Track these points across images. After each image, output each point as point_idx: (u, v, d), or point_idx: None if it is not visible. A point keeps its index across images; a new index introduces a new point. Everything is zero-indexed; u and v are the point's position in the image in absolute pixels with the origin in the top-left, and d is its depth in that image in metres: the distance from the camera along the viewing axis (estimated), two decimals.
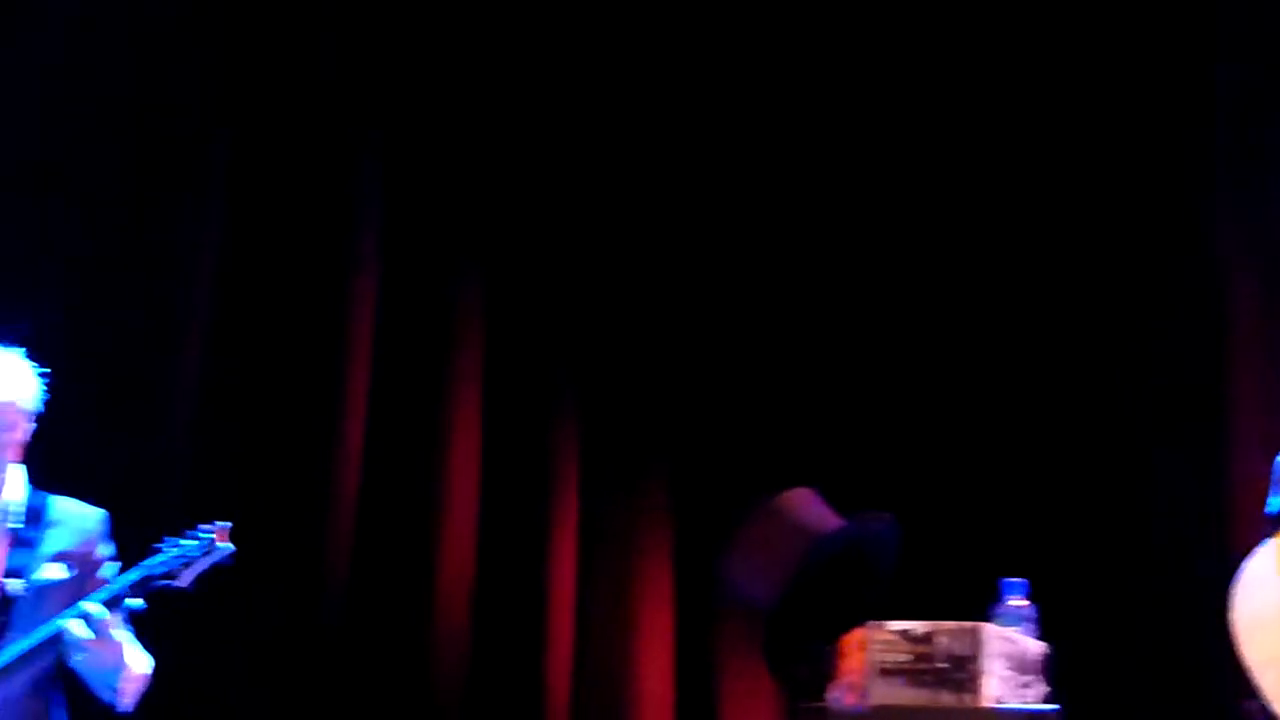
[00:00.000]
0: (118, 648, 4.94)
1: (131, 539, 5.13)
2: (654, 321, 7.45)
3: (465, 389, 7.27)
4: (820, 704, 5.54)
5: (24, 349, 5.19)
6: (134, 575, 4.88)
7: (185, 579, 4.87)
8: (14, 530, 5.09)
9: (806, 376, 7.36)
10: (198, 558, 4.88)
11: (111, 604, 4.88)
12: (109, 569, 5.10)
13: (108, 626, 4.88)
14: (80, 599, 4.93)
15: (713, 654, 7.22)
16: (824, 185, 7.56)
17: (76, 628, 4.84)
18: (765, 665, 5.74)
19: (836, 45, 7.57)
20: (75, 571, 5.07)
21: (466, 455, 7.23)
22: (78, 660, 4.91)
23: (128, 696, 5.04)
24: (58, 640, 4.88)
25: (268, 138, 7.21)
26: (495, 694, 7.11)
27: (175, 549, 4.89)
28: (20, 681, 4.94)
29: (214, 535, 4.90)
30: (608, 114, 7.56)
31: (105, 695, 5.02)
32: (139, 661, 5.05)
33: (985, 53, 7.48)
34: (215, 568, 4.92)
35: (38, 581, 5.03)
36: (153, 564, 4.88)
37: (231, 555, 4.92)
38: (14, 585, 5.03)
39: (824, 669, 5.54)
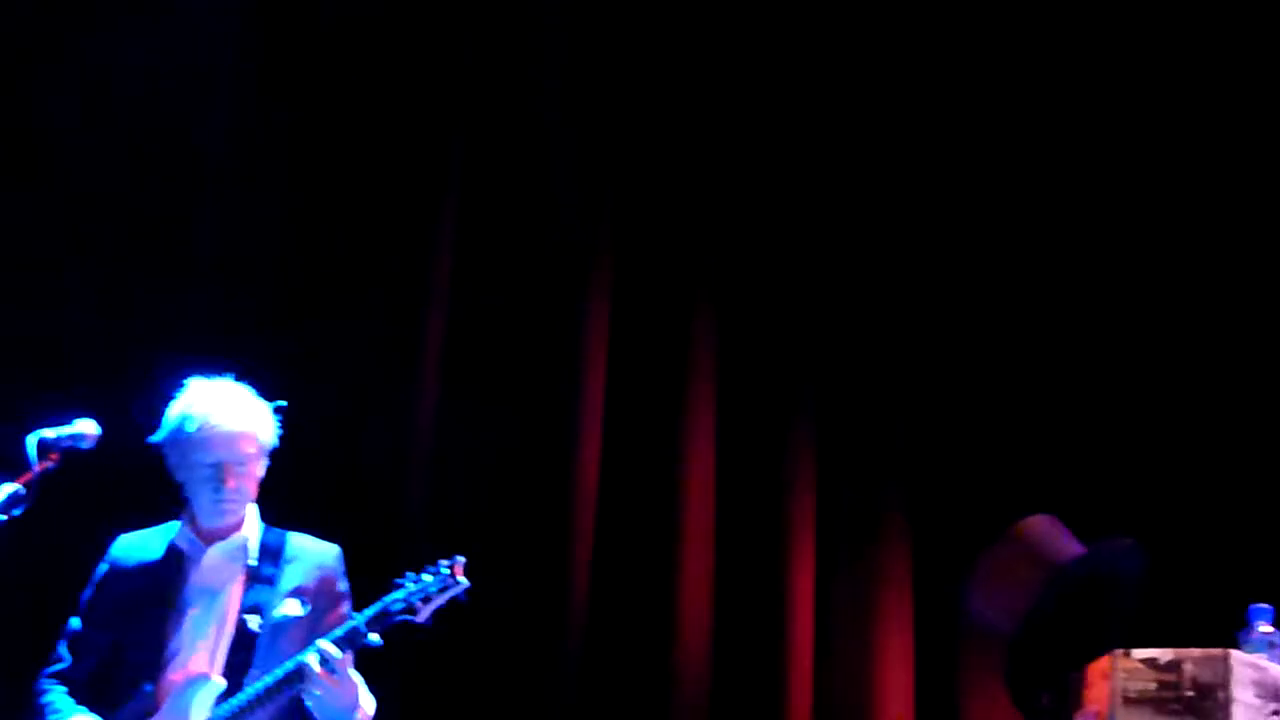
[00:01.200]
0: (352, 688, 5.01)
1: (369, 575, 5.22)
2: (890, 345, 7.38)
3: (699, 416, 7.23)
4: None
5: (257, 385, 5.32)
6: (372, 611, 4.95)
7: (423, 614, 4.93)
8: (251, 567, 5.20)
9: (1046, 400, 7.24)
10: (435, 593, 4.93)
11: (349, 640, 4.96)
12: (346, 605, 5.18)
13: (343, 666, 4.95)
14: (317, 635, 5.02)
15: (954, 681, 7.12)
16: (1067, 207, 7.45)
17: (313, 664, 4.93)
18: (1008, 694, 5.66)
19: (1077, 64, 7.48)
20: (312, 607, 5.17)
21: (702, 482, 7.20)
22: (311, 698, 4.98)
23: None
24: (296, 677, 4.96)
25: (501, 165, 7.31)
26: None
27: (414, 584, 4.94)
28: (262, 717, 5.04)
29: (451, 570, 4.95)
30: (835, 132, 7.50)
31: None
32: (369, 703, 5.11)
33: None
34: (452, 603, 4.97)
35: (276, 618, 5.14)
36: (391, 600, 4.93)
37: (468, 590, 4.97)
38: (253, 621, 5.14)
39: (1068, 698, 5.45)
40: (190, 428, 5.15)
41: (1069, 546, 5.63)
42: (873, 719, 7.11)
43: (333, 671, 4.91)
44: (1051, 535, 5.67)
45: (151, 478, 5.31)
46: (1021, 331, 7.32)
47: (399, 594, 4.94)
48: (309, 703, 5.00)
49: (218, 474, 5.14)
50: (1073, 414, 7.23)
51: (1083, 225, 7.43)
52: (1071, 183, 7.45)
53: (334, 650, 4.91)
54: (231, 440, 5.16)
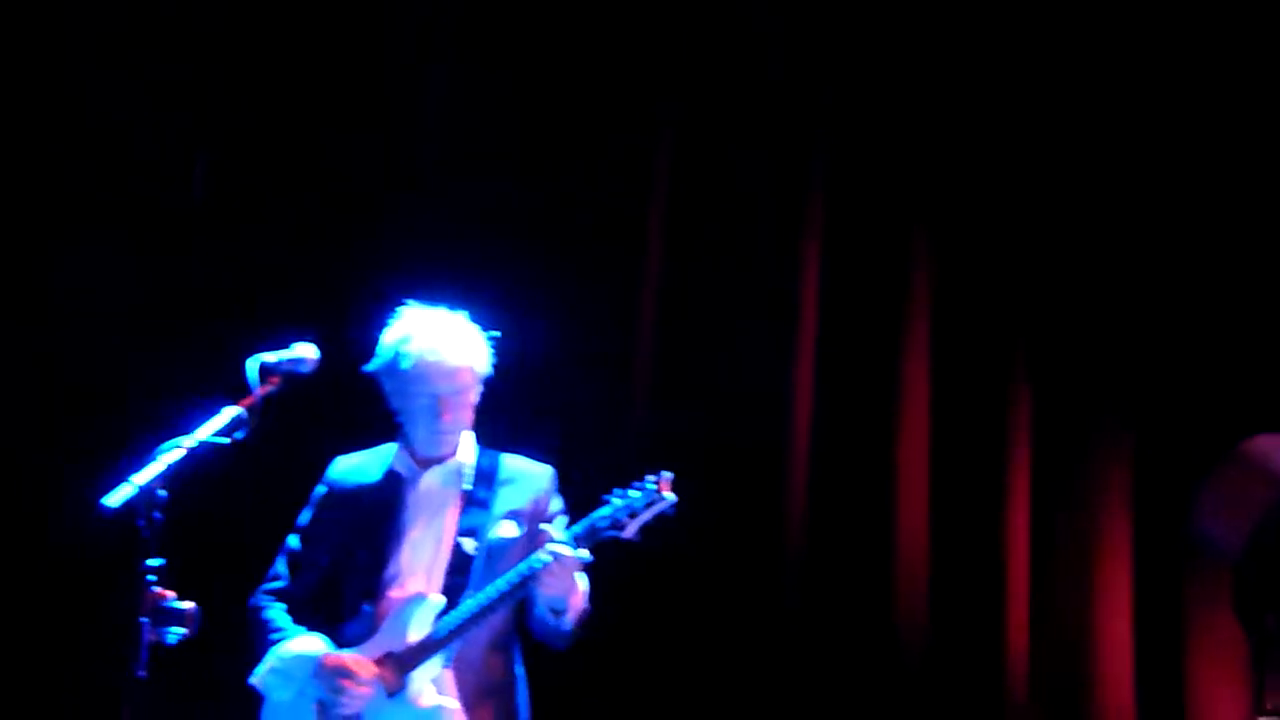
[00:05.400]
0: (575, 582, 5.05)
1: (579, 493, 5.26)
2: (1106, 265, 7.19)
3: (915, 345, 7.12)
4: None
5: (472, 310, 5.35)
6: (580, 528, 4.98)
7: (630, 530, 4.94)
8: (466, 491, 5.26)
9: (1270, 319, 7.05)
10: (642, 509, 4.93)
11: (588, 536, 4.98)
12: (559, 523, 5.18)
13: (575, 565, 4.97)
14: (531, 554, 5.03)
15: (1176, 604, 6.97)
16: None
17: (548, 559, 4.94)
18: (1233, 616, 5.56)
19: None
20: (526, 529, 5.20)
21: (918, 410, 7.10)
22: (541, 585, 4.99)
23: (573, 614, 5.13)
24: (513, 593, 5.02)
25: (718, 88, 7.30)
26: (955, 649, 6.98)
27: (621, 500, 4.96)
28: (479, 638, 5.12)
29: (658, 485, 4.95)
30: (1051, 74, 7.36)
31: (550, 620, 5.11)
32: (584, 584, 5.14)
33: None
34: (660, 519, 4.96)
35: (491, 540, 5.19)
36: (598, 516, 4.97)
37: (675, 506, 4.96)
38: (468, 544, 5.20)
39: None
40: (406, 363, 5.21)
41: None
42: (1092, 645, 6.98)
43: (564, 567, 4.95)
44: (1277, 454, 5.55)
45: (369, 401, 5.38)
46: (1243, 249, 7.13)
47: (606, 510, 4.97)
48: (535, 589, 5.02)
49: (435, 406, 5.21)
50: None
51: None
52: None
53: (567, 552, 4.94)
54: (448, 374, 5.21)
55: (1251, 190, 7.14)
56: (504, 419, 5.51)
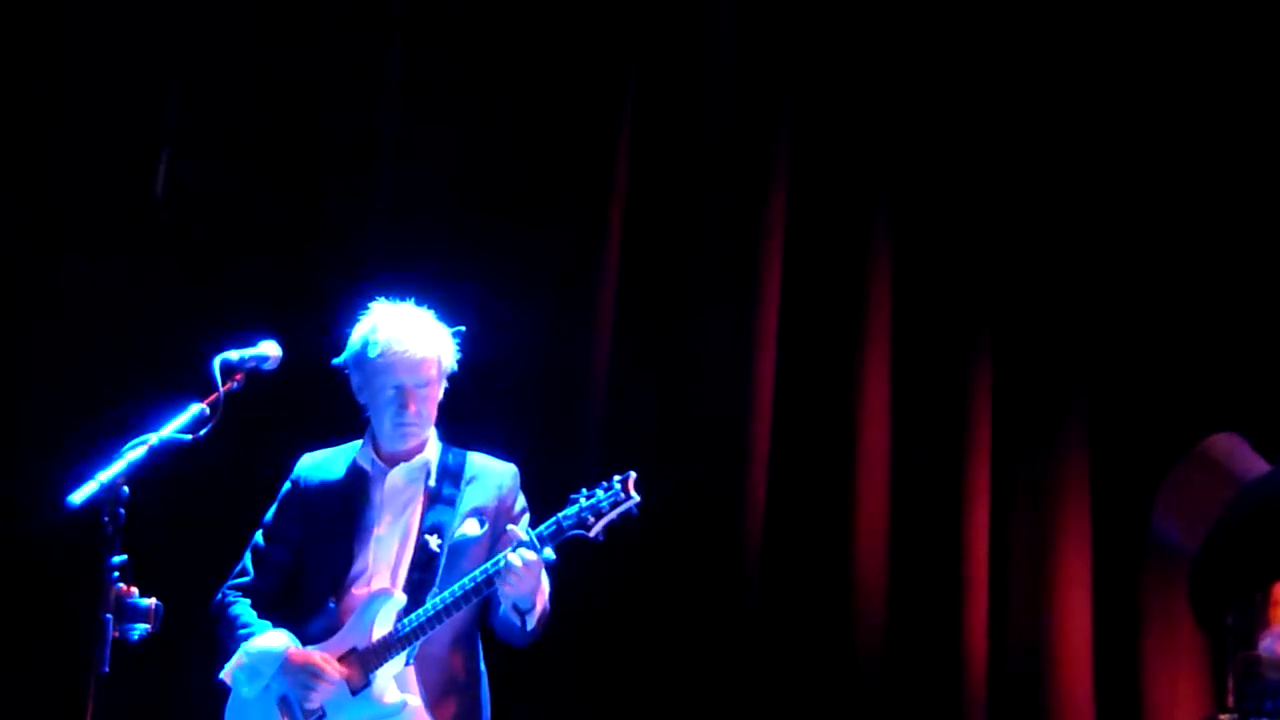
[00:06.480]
0: (539, 580, 5.08)
1: (544, 492, 5.29)
2: (1069, 261, 7.24)
3: (876, 340, 7.16)
4: (1250, 653, 5.39)
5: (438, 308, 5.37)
6: (546, 528, 5.02)
7: (596, 529, 4.99)
8: (431, 488, 5.28)
9: (1231, 316, 7.09)
10: (607, 508, 4.99)
11: (551, 537, 5.02)
12: (522, 522, 5.22)
13: (539, 566, 5.01)
14: (496, 553, 5.09)
15: (1135, 602, 7.02)
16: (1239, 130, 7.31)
17: (515, 561, 4.96)
18: (1191, 614, 5.59)
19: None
20: (490, 527, 5.23)
21: (878, 406, 7.14)
22: (504, 584, 5.00)
23: (536, 614, 5.13)
24: (476, 591, 5.04)
25: (675, 81, 7.31)
26: (913, 645, 7.02)
27: (586, 500, 5.01)
28: (442, 636, 5.14)
29: (623, 485, 5.02)
30: (1012, 58, 7.39)
31: (514, 620, 5.12)
32: (546, 582, 5.16)
33: None
34: (625, 518, 5.02)
35: (455, 538, 5.21)
36: (564, 515, 5.01)
37: (639, 505, 5.02)
38: (433, 542, 5.21)
39: (1253, 617, 5.39)
40: (373, 352, 5.22)
41: (1254, 464, 5.53)
42: (1051, 642, 7.03)
43: (530, 569, 4.98)
44: (1236, 453, 5.57)
45: (335, 398, 5.40)
46: (1204, 244, 7.17)
47: (572, 509, 5.01)
48: (500, 588, 5.04)
49: (400, 398, 5.22)
50: (1257, 330, 7.08)
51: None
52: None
53: (533, 555, 4.98)
54: (413, 365, 5.22)
55: (1215, 181, 7.19)
56: (467, 417, 5.54)
